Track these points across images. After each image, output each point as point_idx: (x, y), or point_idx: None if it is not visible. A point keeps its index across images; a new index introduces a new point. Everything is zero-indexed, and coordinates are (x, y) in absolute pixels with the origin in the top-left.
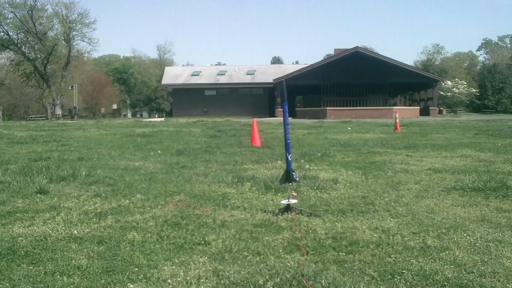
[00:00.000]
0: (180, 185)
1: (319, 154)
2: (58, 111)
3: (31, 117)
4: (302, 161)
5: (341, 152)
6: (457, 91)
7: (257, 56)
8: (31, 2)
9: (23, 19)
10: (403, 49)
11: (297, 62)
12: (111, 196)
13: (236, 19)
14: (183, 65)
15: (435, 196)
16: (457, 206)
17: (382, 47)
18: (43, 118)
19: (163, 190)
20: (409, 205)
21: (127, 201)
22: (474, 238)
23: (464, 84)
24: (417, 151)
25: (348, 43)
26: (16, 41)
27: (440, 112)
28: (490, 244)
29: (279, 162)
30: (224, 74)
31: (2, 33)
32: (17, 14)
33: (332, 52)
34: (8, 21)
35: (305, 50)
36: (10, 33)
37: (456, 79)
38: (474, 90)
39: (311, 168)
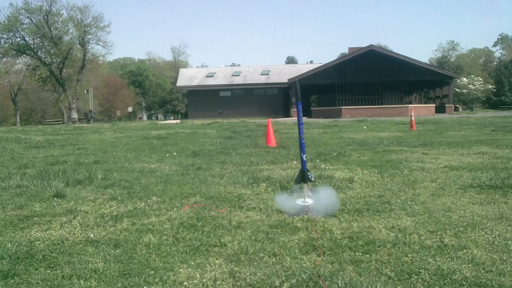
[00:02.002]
0: (196, 186)
1: (335, 154)
2: (74, 115)
3: (48, 122)
4: (318, 160)
5: (357, 151)
6: (473, 87)
7: (271, 56)
8: (47, 7)
9: (39, 24)
10: (418, 46)
11: (311, 62)
12: (127, 199)
13: (250, 20)
14: (198, 67)
15: (452, 194)
16: (475, 204)
17: (397, 45)
18: (59, 122)
19: (178, 192)
20: (426, 203)
21: (143, 203)
22: (493, 236)
23: (480, 81)
24: (433, 149)
25: (362, 42)
26: (32, 46)
27: (456, 109)
28: (509, 242)
29: (295, 162)
30: (238, 75)
31: (18, 39)
32: (33, 19)
33: (346, 51)
34: (24, 26)
35: (319, 50)
36: (27, 38)
37: (472, 76)
38: (490, 87)
39: (327, 167)
